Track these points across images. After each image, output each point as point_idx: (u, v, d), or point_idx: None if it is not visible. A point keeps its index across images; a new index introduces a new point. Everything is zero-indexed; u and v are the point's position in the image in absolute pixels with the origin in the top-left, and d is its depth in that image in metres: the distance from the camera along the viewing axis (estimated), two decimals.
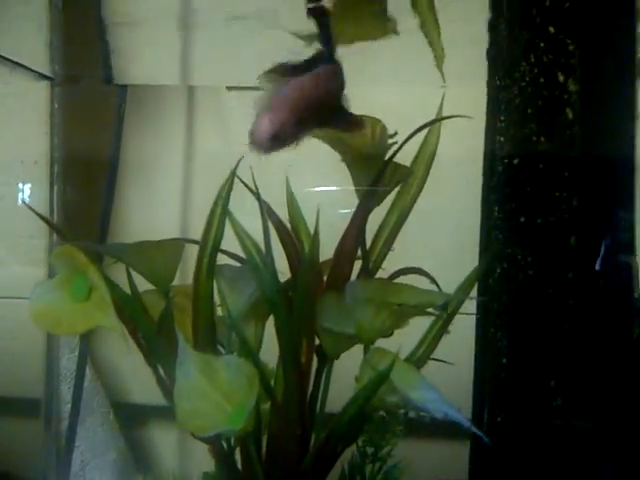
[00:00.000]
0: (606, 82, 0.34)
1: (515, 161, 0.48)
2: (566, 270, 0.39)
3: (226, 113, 0.85)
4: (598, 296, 0.41)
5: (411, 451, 0.55)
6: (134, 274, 0.54)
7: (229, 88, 0.93)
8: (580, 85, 0.35)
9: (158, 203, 0.76)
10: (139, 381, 0.92)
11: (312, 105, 0.45)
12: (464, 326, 0.56)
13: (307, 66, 0.48)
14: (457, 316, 0.54)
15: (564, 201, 0.37)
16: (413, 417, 0.52)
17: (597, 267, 0.46)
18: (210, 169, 0.70)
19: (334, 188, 0.64)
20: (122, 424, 0.93)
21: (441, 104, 0.57)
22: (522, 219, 0.47)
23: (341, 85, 0.49)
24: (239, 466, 0.55)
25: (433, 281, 0.55)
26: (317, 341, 0.56)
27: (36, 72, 0.57)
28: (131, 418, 0.94)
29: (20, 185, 0.57)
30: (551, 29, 0.39)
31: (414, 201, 0.58)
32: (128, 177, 0.78)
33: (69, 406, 0.92)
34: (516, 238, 0.49)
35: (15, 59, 0.55)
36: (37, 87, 0.58)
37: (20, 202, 0.52)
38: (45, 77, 0.58)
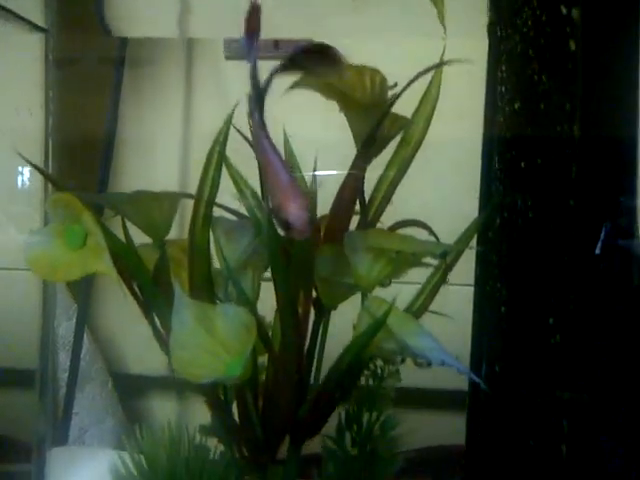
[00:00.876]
0: (610, 14, 0.34)
1: (516, 105, 0.48)
2: (567, 212, 0.39)
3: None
4: (599, 240, 0.41)
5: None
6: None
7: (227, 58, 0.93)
8: (583, 15, 0.34)
9: (156, 162, 0.77)
10: (136, 352, 0.93)
11: None
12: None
13: None
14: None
15: (566, 138, 0.37)
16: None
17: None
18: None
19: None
20: (120, 393, 0.94)
21: (442, 54, 0.56)
22: (522, 164, 0.47)
23: None
24: (236, 417, 0.55)
25: (432, 233, 0.55)
26: (314, 295, 0.56)
27: (31, 23, 0.56)
28: (129, 388, 0.95)
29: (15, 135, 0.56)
30: None
31: (414, 154, 0.57)
32: (125, 138, 0.79)
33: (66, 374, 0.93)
34: (516, 185, 0.49)
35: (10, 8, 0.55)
36: (31, 39, 0.58)
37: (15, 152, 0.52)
38: (39, 28, 0.57)
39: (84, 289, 0.87)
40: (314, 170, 0.53)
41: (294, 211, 0.42)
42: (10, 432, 0.80)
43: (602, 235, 0.51)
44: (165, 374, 0.96)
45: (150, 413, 0.97)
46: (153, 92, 0.76)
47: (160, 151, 0.85)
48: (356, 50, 0.59)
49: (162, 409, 0.96)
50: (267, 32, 0.49)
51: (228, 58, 0.89)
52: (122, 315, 0.89)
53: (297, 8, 0.78)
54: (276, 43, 0.90)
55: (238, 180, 0.53)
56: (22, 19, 0.56)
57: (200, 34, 0.84)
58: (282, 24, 0.75)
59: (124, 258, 0.51)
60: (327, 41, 0.57)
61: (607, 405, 0.42)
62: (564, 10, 0.37)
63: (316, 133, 0.59)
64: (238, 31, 0.52)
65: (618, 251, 0.42)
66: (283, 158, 0.45)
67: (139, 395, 0.98)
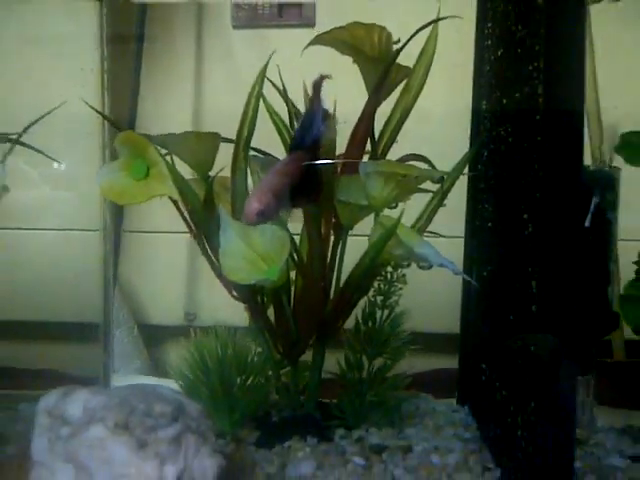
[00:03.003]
0: None
1: (499, 52, 0.59)
2: (536, 140, 0.49)
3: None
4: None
5: None
6: None
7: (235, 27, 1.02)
8: None
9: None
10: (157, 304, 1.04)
11: (286, 187, 0.55)
12: None
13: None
14: None
15: (536, 74, 0.47)
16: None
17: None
18: None
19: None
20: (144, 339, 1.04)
21: (438, 12, 0.66)
22: (504, 101, 0.58)
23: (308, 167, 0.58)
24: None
25: (430, 164, 0.66)
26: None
27: None
28: (150, 337, 1.05)
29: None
30: None
31: (416, 98, 0.67)
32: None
33: None
34: (500, 119, 0.60)
35: None
36: (87, 6, 0.68)
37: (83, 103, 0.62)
38: None
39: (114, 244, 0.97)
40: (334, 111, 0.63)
41: (251, 201, 0.53)
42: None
43: (591, 208, 0.62)
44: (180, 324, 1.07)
45: (167, 359, 1.08)
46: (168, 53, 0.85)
47: (175, 105, 0.94)
48: (363, 9, 0.69)
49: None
50: None
51: (236, 27, 0.98)
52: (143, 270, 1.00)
53: None
54: (280, 9, 1.00)
55: (275, 118, 0.64)
56: None
57: None
58: None
59: (180, 185, 0.62)
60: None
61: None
62: None
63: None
64: None
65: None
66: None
67: (159, 342, 1.08)
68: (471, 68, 0.72)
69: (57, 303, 0.76)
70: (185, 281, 1.04)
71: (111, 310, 0.87)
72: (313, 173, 0.58)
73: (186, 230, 0.76)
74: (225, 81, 0.96)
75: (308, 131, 0.58)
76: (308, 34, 0.90)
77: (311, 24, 0.96)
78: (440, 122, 0.74)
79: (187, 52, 0.93)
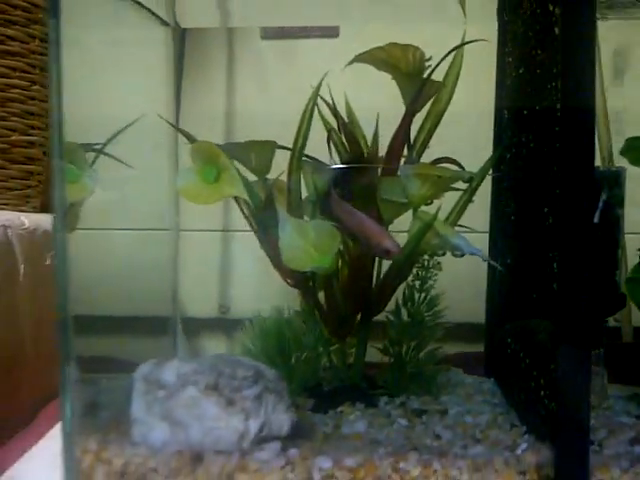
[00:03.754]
0: (578, 13, 0.54)
1: (520, 71, 0.68)
2: (554, 146, 0.59)
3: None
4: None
5: None
6: None
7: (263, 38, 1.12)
8: (562, 12, 0.54)
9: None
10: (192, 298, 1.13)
11: None
12: None
13: None
14: None
15: (554, 92, 0.57)
16: None
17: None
18: None
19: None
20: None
21: (463, 36, 0.76)
22: (525, 112, 0.67)
23: None
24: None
25: (460, 166, 0.75)
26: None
27: (159, 17, 0.76)
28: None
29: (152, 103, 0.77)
30: None
31: (445, 108, 0.77)
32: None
33: None
34: (520, 128, 0.69)
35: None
36: (159, 31, 0.78)
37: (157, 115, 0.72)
38: (165, 23, 0.78)
39: None
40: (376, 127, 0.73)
41: (391, 243, 0.66)
42: None
43: (600, 204, 0.72)
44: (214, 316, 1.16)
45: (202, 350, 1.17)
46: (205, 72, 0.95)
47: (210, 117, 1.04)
48: (399, 33, 0.78)
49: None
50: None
51: (264, 38, 1.07)
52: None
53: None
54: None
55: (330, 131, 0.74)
56: (154, 14, 0.76)
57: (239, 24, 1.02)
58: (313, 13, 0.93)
59: (245, 188, 0.72)
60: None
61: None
62: (550, 7, 0.57)
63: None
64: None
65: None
66: None
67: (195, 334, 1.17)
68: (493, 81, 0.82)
69: (135, 298, 0.86)
70: (218, 277, 1.14)
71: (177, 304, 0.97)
72: None
73: (219, 229, 0.84)
74: (255, 88, 1.06)
75: None
76: (332, 44, 1.01)
77: (335, 35, 1.06)
78: (468, 127, 0.83)
79: (220, 63, 1.03)
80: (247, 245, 1.14)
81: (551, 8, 0.58)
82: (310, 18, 0.90)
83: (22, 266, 0.94)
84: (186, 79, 0.98)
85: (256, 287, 1.06)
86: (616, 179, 0.70)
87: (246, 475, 0.56)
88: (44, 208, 1.11)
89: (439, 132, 0.78)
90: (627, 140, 0.68)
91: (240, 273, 1.14)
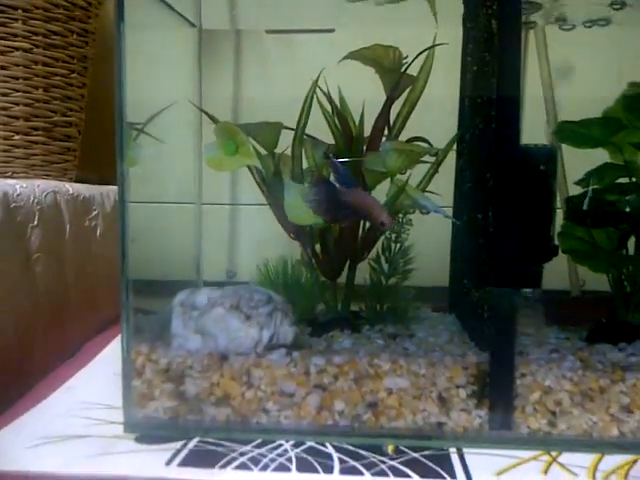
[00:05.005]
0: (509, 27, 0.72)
1: (475, 68, 0.87)
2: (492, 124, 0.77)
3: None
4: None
5: None
6: None
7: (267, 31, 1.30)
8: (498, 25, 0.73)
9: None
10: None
11: None
12: None
13: None
14: None
15: (494, 86, 0.75)
16: None
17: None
18: None
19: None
20: None
21: (434, 39, 0.94)
22: (479, 100, 0.86)
23: None
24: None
25: (429, 143, 0.94)
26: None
27: (186, 19, 0.95)
28: None
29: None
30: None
31: (418, 98, 0.96)
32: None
33: None
34: (475, 112, 0.88)
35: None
36: (186, 32, 0.96)
37: (186, 100, 0.90)
38: (192, 24, 0.96)
39: None
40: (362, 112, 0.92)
41: (386, 218, 0.81)
42: None
43: (588, 193, 0.90)
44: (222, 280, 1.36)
45: None
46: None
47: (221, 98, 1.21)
48: (379, 36, 0.96)
49: None
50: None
51: (268, 32, 1.25)
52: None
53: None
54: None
55: (326, 114, 0.93)
56: (181, 16, 0.94)
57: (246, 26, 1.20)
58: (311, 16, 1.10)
59: (260, 158, 0.90)
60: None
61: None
62: (494, 23, 0.76)
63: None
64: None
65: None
66: None
67: None
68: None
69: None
70: (226, 245, 1.33)
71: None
72: None
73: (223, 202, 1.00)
74: (260, 77, 1.24)
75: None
76: (328, 37, 1.18)
77: (331, 29, 1.24)
78: (439, 112, 1.01)
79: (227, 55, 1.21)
80: (251, 219, 1.34)
81: (492, 22, 0.77)
82: (308, 21, 1.07)
83: (68, 225, 1.13)
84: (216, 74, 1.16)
85: (258, 255, 1.25)
86: (550, 154, 0.89)
87: (260, 370, 0.76)
88: (78, 179, 1.30)
89: (414, 116, 0.97)
90: (558, 123, 0.87)
91: (245, 243, 1.33)
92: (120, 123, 0.75)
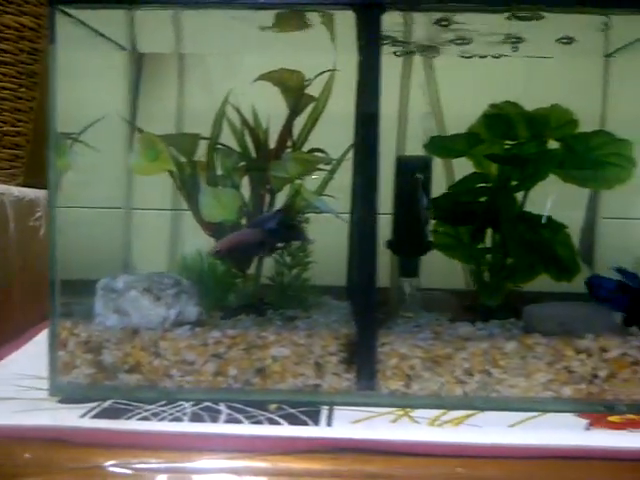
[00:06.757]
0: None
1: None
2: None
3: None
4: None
5: None
6: None
7: None
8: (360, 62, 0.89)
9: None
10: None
11: (241, 244, 0.99)
12: None
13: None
14: None
15: None
16: None
17: None
18: None
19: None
20: None
21: (334, 63, 1.09)
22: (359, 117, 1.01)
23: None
24: None
25: (325, 153, 1.09)
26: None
27: (117, 43, 1.10)
28: None
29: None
30: None
31: (319, 115, 1.11)
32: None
33: None
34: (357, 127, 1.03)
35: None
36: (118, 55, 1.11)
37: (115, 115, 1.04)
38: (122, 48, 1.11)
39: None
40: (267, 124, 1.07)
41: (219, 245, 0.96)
42: None
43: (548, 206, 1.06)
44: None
45: None
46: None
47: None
48: (281, 61, 1.11)
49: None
50: None
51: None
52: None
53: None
54: None
55: (235, 129, 1.07)
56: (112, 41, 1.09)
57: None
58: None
59: (177, 164, 1.04)
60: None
61: None
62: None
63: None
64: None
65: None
66: None
67: None
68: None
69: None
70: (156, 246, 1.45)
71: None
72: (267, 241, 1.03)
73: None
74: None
75: (266, 224, 1.01)
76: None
77: None
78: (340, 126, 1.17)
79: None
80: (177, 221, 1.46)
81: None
82: (223, 47, 1.22)
83: (12, 224, 1.26)
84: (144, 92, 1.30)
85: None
86: (425, 163, 1.05)
87: (166, 342, 0.89)
88: (25, 184, 1.43)
89: (322, 130, 1.12)
90: (430, 137, 1.03)
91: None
92: (51, 133, 0.89)
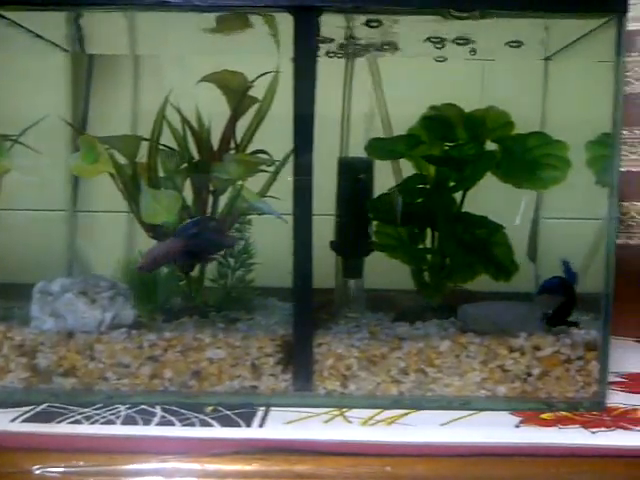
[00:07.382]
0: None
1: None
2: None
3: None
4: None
5: None
6: None
7: None
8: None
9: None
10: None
11: (166, 254, 0.99)
12: None
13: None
14: None
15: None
16: None
17: None
18: None
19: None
20: None
21: (277, 66, 1.09)
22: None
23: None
24: None
25: (268, 154, 1.09)
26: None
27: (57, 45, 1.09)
28: None
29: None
30: None
31: (263, 117, 1.11)
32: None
33: None
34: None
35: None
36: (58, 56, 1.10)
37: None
38: (63, 49, 1.10)
39: None
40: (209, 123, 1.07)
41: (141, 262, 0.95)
42: None
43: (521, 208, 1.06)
44: None
45: None
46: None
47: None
48: (223, 63, 1.11)
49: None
50: None
51: None
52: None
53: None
54: None
55: (173, 130, 1.07)
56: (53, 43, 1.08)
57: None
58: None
59: (117, 167, 1.04)
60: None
61: None
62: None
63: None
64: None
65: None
66: None
67: None
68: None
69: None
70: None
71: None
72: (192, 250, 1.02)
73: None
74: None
75: (187, 231, 1.00)
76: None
77: None
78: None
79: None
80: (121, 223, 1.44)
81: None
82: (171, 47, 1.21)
83: None
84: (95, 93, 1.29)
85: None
86: (367, 165, 1.06)
87: (102, 345, 0.89)
88: None
89: (269, 131, 1.12)
90: (369, 140, 1.04)
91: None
92: None
